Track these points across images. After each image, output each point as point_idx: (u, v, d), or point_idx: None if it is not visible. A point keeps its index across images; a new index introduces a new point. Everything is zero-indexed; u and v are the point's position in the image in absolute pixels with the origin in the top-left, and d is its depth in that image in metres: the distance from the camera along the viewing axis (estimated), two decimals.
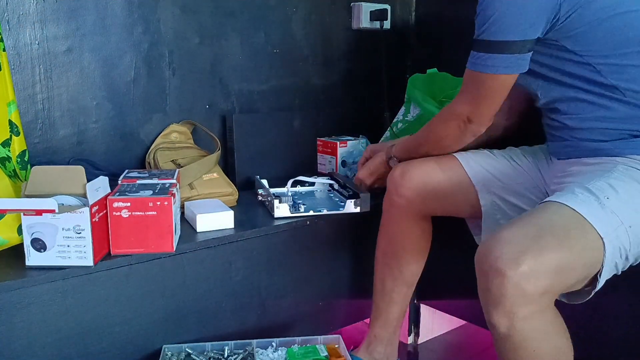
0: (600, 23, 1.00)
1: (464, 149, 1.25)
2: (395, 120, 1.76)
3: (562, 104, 1.10)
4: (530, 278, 0.83)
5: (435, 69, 1.74)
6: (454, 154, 1.25)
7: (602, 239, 0.89)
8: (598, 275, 0.92)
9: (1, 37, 1.10)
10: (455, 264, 1.37)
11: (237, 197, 1.44)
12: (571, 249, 0.87)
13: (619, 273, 0.96)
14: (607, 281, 1.00)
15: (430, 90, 1.68)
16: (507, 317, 0.85)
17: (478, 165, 1.22)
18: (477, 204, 1.21)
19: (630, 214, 0.93)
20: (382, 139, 1.74)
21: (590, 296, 0.95)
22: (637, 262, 0.99)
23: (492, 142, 1.29)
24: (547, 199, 0.97)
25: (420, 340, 1.66)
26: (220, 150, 1.47)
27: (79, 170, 1.03)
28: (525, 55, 1.04)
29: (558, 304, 0.93)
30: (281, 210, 1.32)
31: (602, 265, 0.90)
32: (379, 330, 1.33)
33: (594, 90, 1.05)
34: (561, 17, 1.00)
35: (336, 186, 1.51)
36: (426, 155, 1.26)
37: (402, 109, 1.75)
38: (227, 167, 1.61)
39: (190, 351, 1.14)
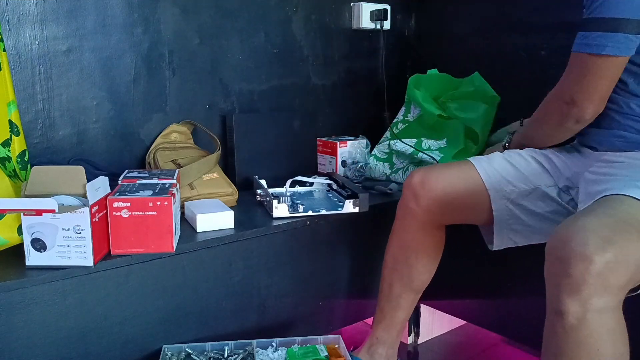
0: None
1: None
2: (395, 120, 1.76)
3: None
4: (614, 269, 0.80)
5: (436, 69, 1.74)
6: (469, 159, 1.24)
7: None
8: None
9: (1, 37, 1.10)
10: (455, 265, 1.37)
11: (237, 197, 1.44)
12: None
13: None
14: None
15: (431, 91, 1.68)
16: (582, 307, 0.81)
17: (493, 170, 1.20)
18: (491, 211, 1.20)
19: None
20: (382, 139, 1.74)
21: None
22: None
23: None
24: (610, 192, 0.94)
25: (420, 340, 1.66)
26: (220, 150, 1.47)
27: (79, 170, 1.03)
28: (638, 37, 0.99)
29: None
30: (280, 210, 1.32)
31: None
32: (382, 333, 1.32)
33: None
34: None
35: (335, 186, 1.51)
36: (535, 146, 1.24)
37: (403, 109, 1.76)
38: (227, 167, 1.61)
39: (190, 351, 1.14)
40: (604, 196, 0.94)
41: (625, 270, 0.81)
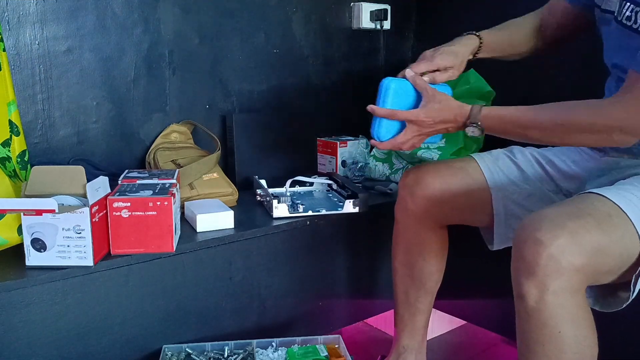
0: None
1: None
2: None
3: None
4: (566, 251, 0.82)
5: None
6: (472, 155, 1.22)
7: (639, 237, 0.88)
8: (632, 281, 0.90)
9: (1, 37, 1.10)
10: (455, 264, 1.37)
11: (237, 197, 1.44)
12: (610, 234, 0.87)
13: None
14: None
15: None
16: (538, 289, 0.84)
17: (497, 168, 1.19)
18: (492, 210, 1.18)
19: None
20: None
21: (626, 303, 0.93)
22: None
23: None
24: (589, 190, 0.95)
25: None
26: (220, 150, 1.47)
27: (79, 170, 1.03)
28: None
29: None
30: (280, 210, 1.32)
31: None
32: (408, 341, 1.30)
33: None
34: None
35: (335, 186, 1.51)
36: (532, 141, 1.06)
37: None
38: (227, 167, 1.61)
39: (190, 351, 1.14)
40: (579, 194, 0.96)
41: (578, 253, 0.83)
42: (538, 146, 1.26)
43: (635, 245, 0.89)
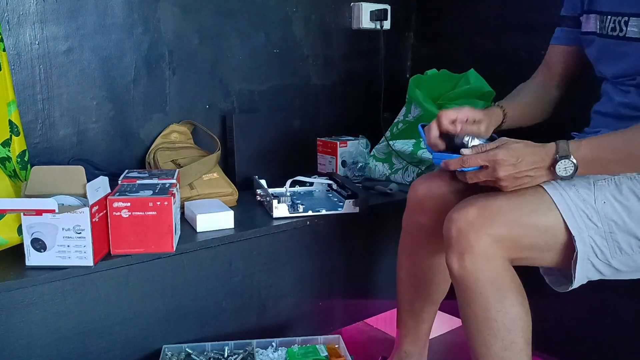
0: None
1: None
2: (396, 120, 1.76)
3: None
4: (473, 223, 0.93)
5: (435, 69, 1.74)
6: None
7: (562, 217, 0.93)
8: (572, 269, 0.95)
9: (1, 37, 1.10)
10: None
11: (237, 197, 1.44)
12: (521, 209, 0.94)
13: (608, 277, 0.98)
14: (607, 280, 1.00)
15: (431, 91, 1.68)
16: (457, 258, 0.94)
17: None
18: None
19: (625, 223, 0.94)
20: (381, 139, 1.74)
21: (570, 288, 0.98)
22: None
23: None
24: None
25: None
26: (220, 150, 1.47)
27: (79, 170, 1.03)
28: None
29: (562, 303, 0.93)
30: (280, 210, 1.32)
31: (575, 253, 0.93)
32: (410, 347, 1.29)
33: None
34: None
35: (335, 186, 1.51)
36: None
37: (403, 109, 1.76)
38: (227, 167, 1.61)
39: (190, 351, 1.14)
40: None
41: (488, 225, 0.92)
42: None
43: (559, 225, 0.94)
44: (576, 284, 0.97)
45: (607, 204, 0.95)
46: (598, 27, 1.11)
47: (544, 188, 0.96)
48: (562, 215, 0.94)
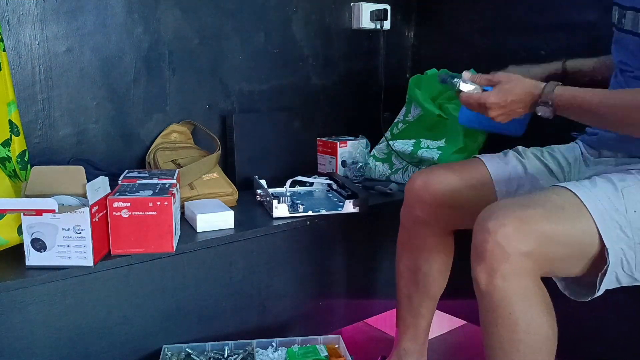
0: None
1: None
2: (396, 120, 1.76)
3: None
4: (511, 238, 0.87)
5: (435, 69, 1.74)
6: (481, 157, 1.21)
7: (597, 227, 0.91)
8: (598, 280, 0.92)
9: (1, 37, 1.10)
10: (456, 265, 1.37)
11: (237, 197, 1.44)
12: (558, 222, 0.91)
13: (623, 285, 0.96)
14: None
15: (431, 91, 1.68)
16: (487, 273, 0.89)
17: (505, 169, 1.18)
18: None
19: None
20: (381, 139, 1.74)
21: (590, 298, 0.95)
22: None
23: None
24: (555, 184, 0.98)
25: None
26: (220, 150, 1.47)
27: (79, 170, 1.03)
28: None
29: (561, 303, 0.93)
30: (280, 210, 1.32)
31: (606, 266, 0.91)
32: (409, 344, 1.30)
33: None
34: None
35: (335, 186, 1.51)
36: (602, 127, 1.08)
37: (403, 109, 1.76)
38: (227, 167, 1.61)
39: (190, 351, 1.14)
40: (547, 187, 1.00)
41: (524, 239, 0.87)
42: (543, 144, 1.26)
43: (592, 236, 0.91)
44: (598, 294, 0.94)
45: (638, 213, 0.93)
46: (616, 19, 1.09)
47: (579, 198, 0.92)
48: (597, 227, 0.91)
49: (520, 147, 1.25)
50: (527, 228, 0.88)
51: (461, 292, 1.52)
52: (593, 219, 0.91)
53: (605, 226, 0.91)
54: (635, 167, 1.02)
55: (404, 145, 1.64)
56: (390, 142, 1.66)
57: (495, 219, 0.89)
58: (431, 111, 1.61)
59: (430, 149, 1.58)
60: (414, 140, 1.64)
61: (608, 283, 0.93)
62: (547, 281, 0.98)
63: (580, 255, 0.93)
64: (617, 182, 0.96)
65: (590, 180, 0.98)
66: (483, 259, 0.89)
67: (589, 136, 1.19)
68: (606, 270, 0.91)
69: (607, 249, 0.90)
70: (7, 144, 1.08)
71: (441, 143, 1.59)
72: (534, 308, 0.90)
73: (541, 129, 1.23)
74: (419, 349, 1.31)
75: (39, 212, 0.97)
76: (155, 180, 1.17)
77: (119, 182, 1.15)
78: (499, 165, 1.19)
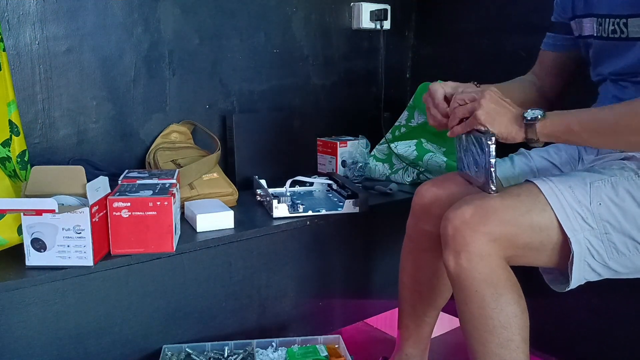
0: None
1: None
2: (397, 124, 1.76)
3: None
4: (469, 222, 0.94)
5: (440, 81, 1.73)
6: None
7: (557, 218, 0.94)
8: (569, 269, 0.95)
9: (1, 37, 1.10)
10: None
11: (237, 197, 1.44)
12: (515, 208, 0.95)
13: (604, 277, 0.98)
14: (607, 281, 1.00)
15: None
16: (453, 256, 0.96)
17: (513, 176, 1.18)
18: None
19: (621, 224, 0.95)
20: (381, 141, 1.74)
21: (568, 289, 0.98)
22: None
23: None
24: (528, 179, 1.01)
25: None
26: (220, 150, 1.47)
27: (79, 170, 1.03)
28: None
29: (560, 302, 0.93)
30: (280, 210, 1.32)
31: (571, 256, 0.94)
32: (411, 350, 1.30)
33: None
34: None
35: (335, 186, 1.51)
36: (596, 146, 1.09)
37: (405, 113, 1.75)
38: (227, 167, 1.61)
39: (190, 351, 1.14)
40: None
41: (482, 222, 0.94)
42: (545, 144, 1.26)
43: (553, 225, 0.95)
44: (573, 284, 0.97)
45: (603, 205, 0.96)
46: (595, 30, 1.11)
47: (539, 188, 0.96)
48: (556, 216, 0.94)
49: (524, 150, 1.25)
50: (483, 213, 0.94)
51: None
52: (553, 210, 0.95)
53: (565, 216, 0.94)
54: (634, 160, 1.02)
55: (406, 147, 1.63)
56: (392, 145, 1.66)
57: (456, 208, 0.97)
58: None
59: (436, 154, 1.58)
60: (416, 141, 1.63)
61: (584, 273, 0.96)
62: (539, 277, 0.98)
63: (544, 245, 0.97)
64: (590, 175, 0.99)
65: (567, 174, 1.03)
66: (447, 245, 0.97)
67: None
68: (572, 259, 0.94)
69: (569, 239, 0.94)
70: (7, 144, 1.08)
71: (444, 147, 1.59)
72: (500, 287, 0.94)
73: None
74: (421, 354, 1.31)
75: (39, 212, 0.97)
76: (155, 180, 1.17)
77: (119, 182, 1.15)
78: (507, 171, 1.19)
